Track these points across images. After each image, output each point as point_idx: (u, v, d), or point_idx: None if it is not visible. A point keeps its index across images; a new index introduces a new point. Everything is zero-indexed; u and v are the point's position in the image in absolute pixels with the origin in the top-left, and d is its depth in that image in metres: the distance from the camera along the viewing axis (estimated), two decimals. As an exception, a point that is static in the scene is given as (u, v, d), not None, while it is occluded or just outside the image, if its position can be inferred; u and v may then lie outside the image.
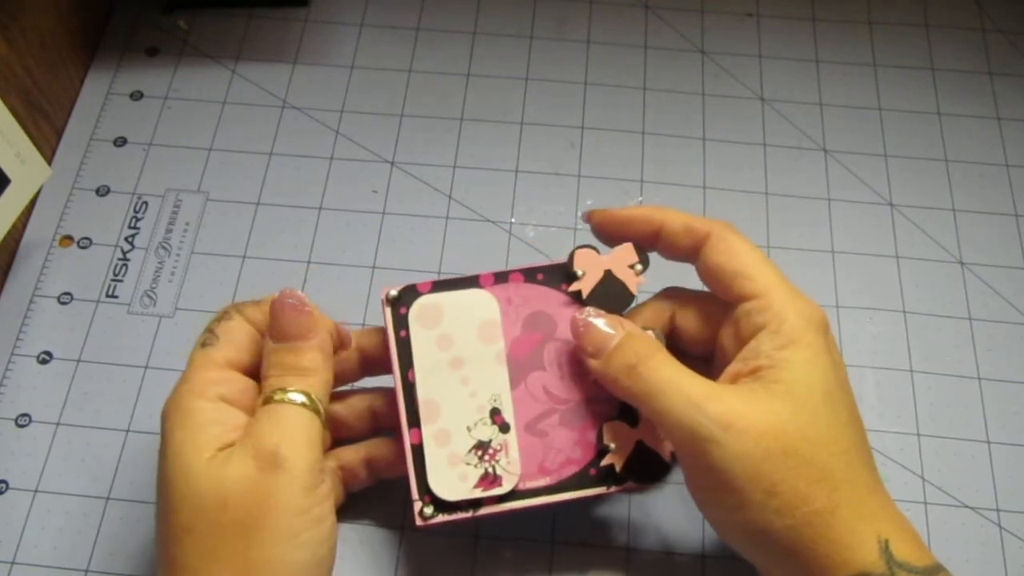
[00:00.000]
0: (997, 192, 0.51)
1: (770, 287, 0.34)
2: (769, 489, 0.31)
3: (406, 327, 0.37)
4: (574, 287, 0.38)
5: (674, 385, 0.33)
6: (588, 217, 0.39)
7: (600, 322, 0.36)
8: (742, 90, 0.54)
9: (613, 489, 0.37)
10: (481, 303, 0.37)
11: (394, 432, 0.38)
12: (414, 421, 0.36)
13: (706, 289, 0.38)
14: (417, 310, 0.37)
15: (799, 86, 0.54)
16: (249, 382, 0.35)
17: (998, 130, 0.53)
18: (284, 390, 0.33)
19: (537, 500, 0.36)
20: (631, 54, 0.55)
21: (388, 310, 0.37)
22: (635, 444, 0.37)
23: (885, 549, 0.31)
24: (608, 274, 0.37)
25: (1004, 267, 0.49)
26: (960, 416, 0.45)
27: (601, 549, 0.41)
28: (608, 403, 0.37)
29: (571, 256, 0.38)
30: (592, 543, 0.41)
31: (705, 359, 0.38)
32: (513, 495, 0.36)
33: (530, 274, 0.38)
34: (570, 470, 0.37)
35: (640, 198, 0.50)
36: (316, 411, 0.34)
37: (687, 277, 0.39)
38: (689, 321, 0.38)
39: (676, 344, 0.39)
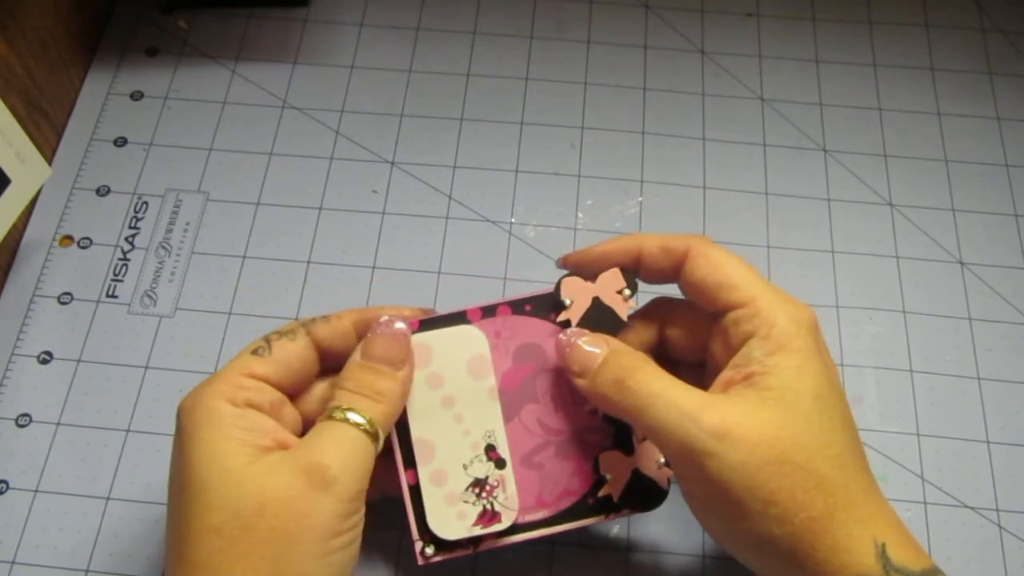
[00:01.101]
0: (997, 192, 0.51)
1: (756, 294, 0.34)
2: (767, 498, 0.31)
3: None
4: (562, 316, 0.37)
5: (665, 398, 0.32)
6: (563, 262, 0.39)
7: (584, 340, 0.35)
8: (742, 90, 0.54)
9: (611, 517, 0.37)
10: (470, 339, 0.37)
11: None
12: (409, 462, 0.36)
13: None
14: None
15: (799, 86, 0.54)
16: (281, 397, 0.35)
17: (998, 130, 0.53)
18: (350, 410, 0.33)
19: (536, 532, 0.37)
20: (631, 54, 0.55)
21: None
22: (631, 472, 0.37)
23: (882, 553, 0.31)
24: (596, 301, 0.37)
25: (1004, 267, 0.49)
26: (960, 416, 0.45)
27: (601, 550, 0.41)
28: (603, 432, 0.37)
29: (558, 285, 0.38)
30: (592, 544, 0.41)
31: (699, 365, 0.38)
32: (512, 529, 0.36)
33: (518, 306, 0.38)
34: (568, 501, 0.37)
35: (640, 198, 0.50)
36: (375, 439, 0.33)
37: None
38: (678, 331, 0.38)
39: (668, 353, 0.38)
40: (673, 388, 0.33)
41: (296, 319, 0.46)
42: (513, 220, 0.50)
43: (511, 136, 0.52)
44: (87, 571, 0.40)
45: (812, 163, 0.52)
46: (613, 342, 0.36)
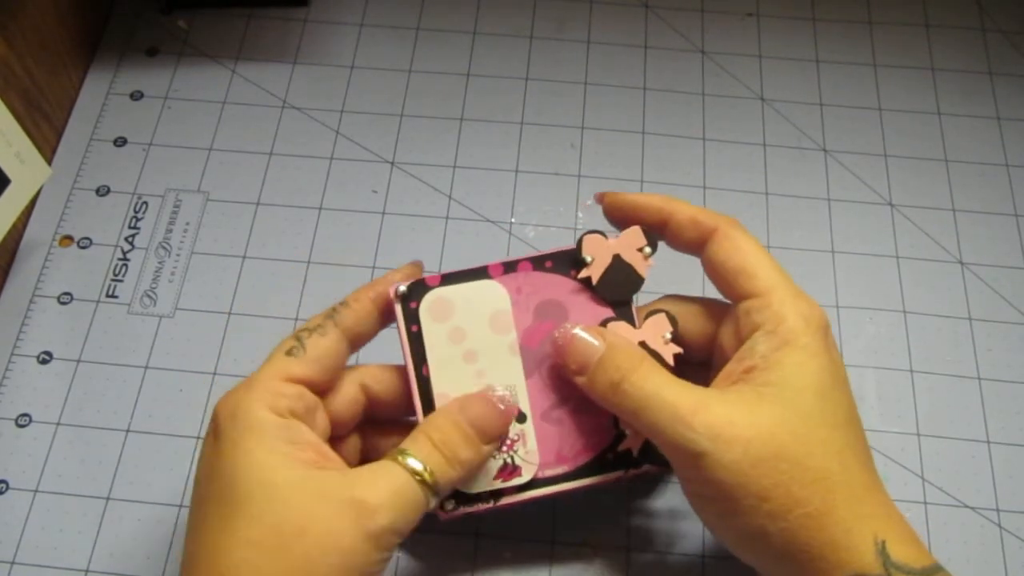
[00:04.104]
0: (997, 192, 0.51)
1: (771, 286, 0.34)
2: (760, 494, 0.31)
3: (417, 322, 0.36)
4: (583, 274, 0.37)
5: (660, 400, 0.32)
6: (600, 198, 0.39)
7: (581, 337, 0.35)
8: (742, 90, 0.54)
9: (631, 473, 0.37)
10: (491, 294, 0.37)
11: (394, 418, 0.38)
12: None
13: (707, 297, 0.38)
14: (428, 304, 0.37)
15: (799, 86, 0.54)
16: (317, 401, 0.35)
17: (998, 130, 0.53)
18: (422, 463, 0.32)
19: (556, 487, 0.37)
20: (631, 54, 0.55)
21: (399, 306, 0.37)
22: None
23: (882, 550, 0.31)
24: (617, 259, 0.37)
25: (1004, 267, 0.49)
26: (960, 416, 0.45)
27: (601, 549, 0.41)
28: None
29: (579, 242, 0.38)
30: (592, 543, 0.41)
31: (704, 364, 0.38)
32: (533, 484, 0.36)
33: (539, 262, 0.38)
34: (587, 456, 0.37)
35: (640, 198, 0.50)
36: (435, 495, 0.33)
37: (692, 269, 0.39)
38: (688, 323, 0.38)
39: None
40: (667, 388, 0.33)
41: (295, 319, 0.46)
42: (513, 220, 0.50)
43: (511, 136, 0.52)
44: (87, 571, 0.40)
45: (812, 163, 0.52)
46: (609, 336, 0.35)
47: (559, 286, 0.38)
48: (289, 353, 0.34)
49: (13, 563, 0.40)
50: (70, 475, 0.42)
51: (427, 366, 0.36)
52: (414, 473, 0.32)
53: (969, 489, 0.43)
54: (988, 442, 0.44)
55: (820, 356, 0.33)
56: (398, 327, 0.37)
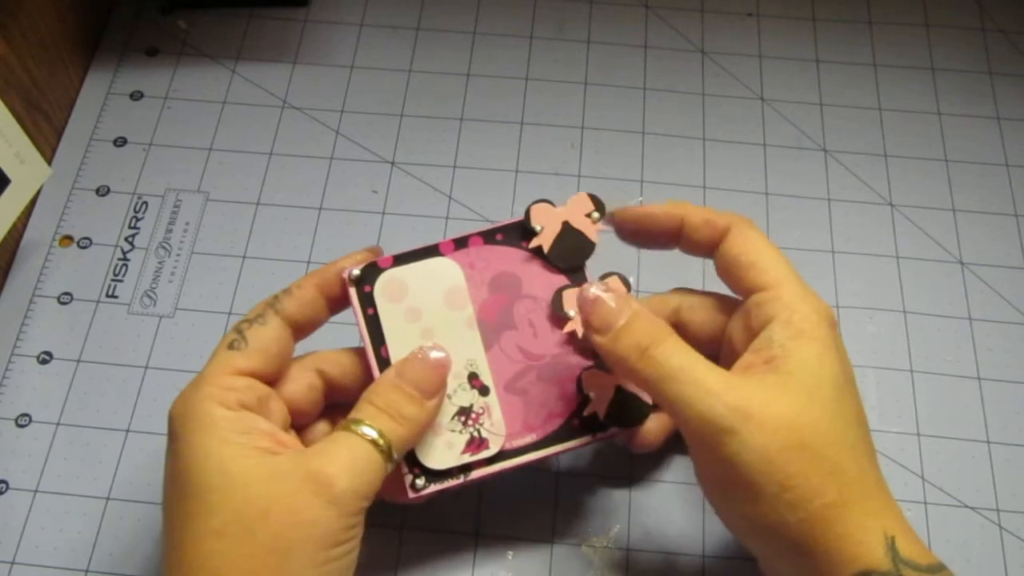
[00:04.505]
0: (997, 192, 0.51)
1: (782, 280, 0.35)
2: (783, 482, 0.31)
3: (373, 304, 0.37)
4: (534, 243, 0.38)
5: (690, 373, 0.32)
6: (610, 218, 0.39)
7: (608, 296, 0.35)
8: (742, 90, 0.54)
9: (598, 437, 0.37)
10: (444, 271, 0.37)
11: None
12: None
13: (716, 292, 0.38)
14: (381, 286, 0.37)
15: (799, 86, 0.54)
16: (269, 391, 0.35)
17: (998, 130, 0.53)
18: (369, 426, 0.33)
19: (525, 457, 0.37)
20: (631, 54, 0.55)
21: (353, 290, 0.37)
22: (615, 390, 0.37)
23: (892, 546, 0.31)
24: (566, 226, 0.38)
25: (1004, 267, 0.49)
26: (960, 416, 0.45)
27: (601, 549, 0.41)
28: (583, 353, 0.37)
29: (527, 212, 0.38)
30: (592, 543, 0.41)
31: (710, 358, 0.38)
32: (501, 456, 0.36)
33: (489, 236, 0.38)
34: (554, 424, 0.37)
35: (641, 198, 0.50)
36: (389, 459, 0.33)
37: (688, 274, 0.39)
38: (696, 315, 0.38)
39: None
40: (698, 364, 0.33)
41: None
42: (513, 220, 0.50)
43: (511, 136, 0.52)
44: (87, 571, 0.40)
45: (812, 163, 0.52)
46: (636, 305, 0.35)
47: (512, 258, 0.38)
48: (231, 347, 0.34)
49: (13, 563, 0.40)
50: (70, 475, 0.42)
51: (385, 347, 0.36)
52: (364, 437, 0.33)
53: (969, 489, 0.43)
54: (988, 442, 0.44)
55: (833, 350, 0.34)
56: (354, 311, 0.37)
